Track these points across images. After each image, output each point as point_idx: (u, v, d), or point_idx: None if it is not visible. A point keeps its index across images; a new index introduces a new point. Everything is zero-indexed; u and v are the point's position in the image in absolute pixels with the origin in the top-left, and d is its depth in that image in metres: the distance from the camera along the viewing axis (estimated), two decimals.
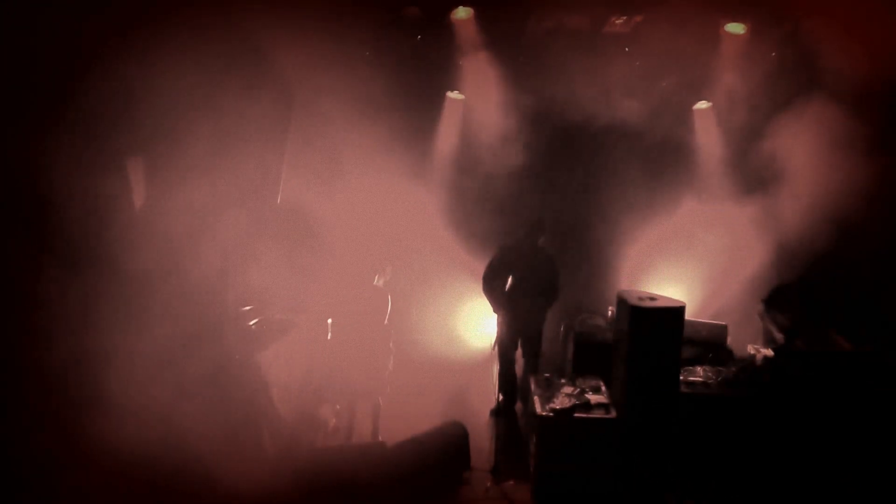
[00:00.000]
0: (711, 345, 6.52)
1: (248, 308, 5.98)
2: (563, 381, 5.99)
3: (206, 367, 5.21)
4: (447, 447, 5.74)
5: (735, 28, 7.30)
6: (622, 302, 5.73)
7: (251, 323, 5.93)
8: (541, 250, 6.96)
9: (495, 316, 6.96)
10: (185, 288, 5.18)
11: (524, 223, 6.99)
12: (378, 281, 6.37)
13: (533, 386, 5.93)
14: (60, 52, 4.76)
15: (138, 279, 4.95)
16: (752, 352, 6.38)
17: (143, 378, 4.86)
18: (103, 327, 4.74)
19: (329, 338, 6.38)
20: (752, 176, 7.84)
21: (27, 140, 4.63)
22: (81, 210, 4.80)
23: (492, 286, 6.83)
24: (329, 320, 6.36)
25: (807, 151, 7.38)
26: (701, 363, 6.23)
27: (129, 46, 5.03)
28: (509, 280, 6.73)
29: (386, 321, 6.30)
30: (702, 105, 8.33)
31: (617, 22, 7.06)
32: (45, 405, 4.53)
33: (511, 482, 5.61)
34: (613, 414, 5.49)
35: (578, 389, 5.78)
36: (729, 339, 6.71)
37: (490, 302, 6.88)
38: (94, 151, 5.04)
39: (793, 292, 6.76)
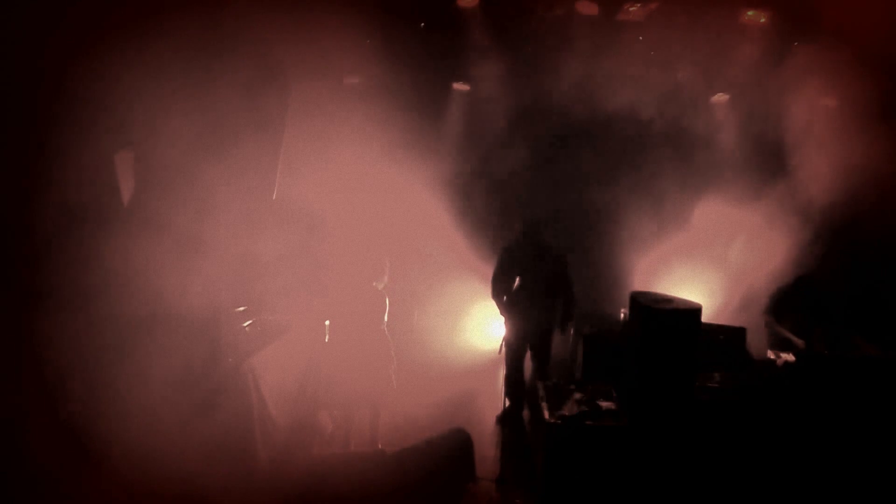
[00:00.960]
0: (729, 349, 6.32)
1: (241, 309, 5.80)
2: (572, 386, 5.80)
3: (203, 392, 5.18)
4: (450, 456, 5.59)
5: (754, 16, 7.08)
6: (635, 303, 5.52)
7: (245, 325, 5.73)
8: (547, 249, 6.70)
9: (503, 318, 6.72)
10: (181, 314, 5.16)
11: (526, 221, 6.74)
12: (377, 285, 6.16)
13: (541, 392, 5.75)
14: (47, 47, 4.68)
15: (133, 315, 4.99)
16: (773, 357, 6.17)
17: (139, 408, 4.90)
18: (101, 362, 4.82)
19: (327, 340, 6.16)
20: (772, 171, 7.64)
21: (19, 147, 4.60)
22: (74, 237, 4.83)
23: (499, 288, 6.60)
24: (327, 322, 6.15)
25: (828, 145, 7.23)
26: (718, 368, 5.99)
27: (119, 38, 4.94)
28: (517, 281, 6.50)
29: (384, 326, 6.09)
30: (720, 97, 8.08)
31: (630, 9, 6.91)
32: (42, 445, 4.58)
33: (517, 492, 5.44)
34: (625, 422, 5.31)
35: (588, 396, 5.59)
36: (748, 344, 6.47)
37: (497, 305, 6.66)
38: (85, 153, 4.99)
39: (800, 295, 6.55)
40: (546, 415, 5.35)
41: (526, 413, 6.84)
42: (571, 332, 7.18)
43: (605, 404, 5.44)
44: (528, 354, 6.85)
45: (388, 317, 6.09)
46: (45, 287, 4.72)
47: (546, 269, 6.62)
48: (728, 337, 6.45)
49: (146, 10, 5.14)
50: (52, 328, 4.60)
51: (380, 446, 5.99)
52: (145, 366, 4.95)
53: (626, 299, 5.83)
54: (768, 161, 7.71)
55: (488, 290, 6.81)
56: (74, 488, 4.59)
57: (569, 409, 5.35)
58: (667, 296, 5.60)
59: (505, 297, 6.55)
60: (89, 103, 4.88)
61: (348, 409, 6.08)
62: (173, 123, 5.31)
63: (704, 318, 5.47)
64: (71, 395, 4.75)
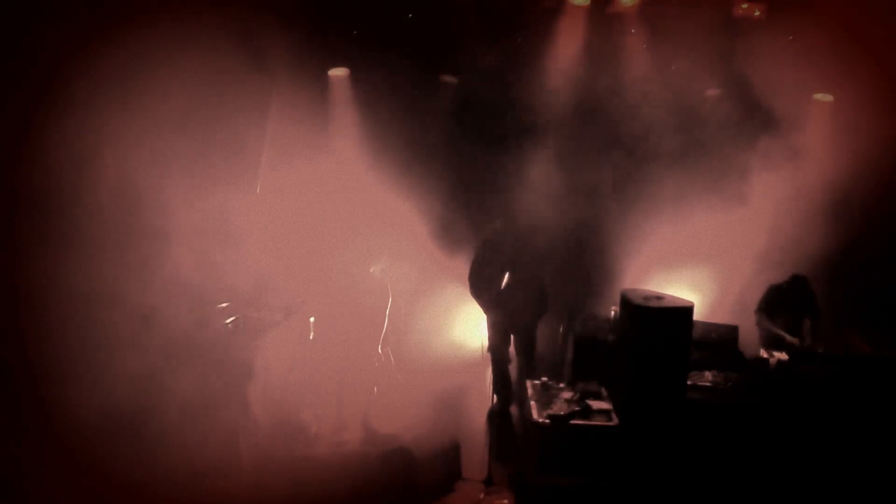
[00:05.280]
0: (721, 347, 6.26)
1: (224, 305, 5.70)
2: (561, 385, 5.76)
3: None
4: (437, 456, 5.55)
5: (750, 9, 7.03)
6: (626, 301, 5.47)
7: (227, 321, 5.64)
8: (525, 241, 6.61)
9: (486, 315, 6.66)
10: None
11: (498, 214, 6.65)
12: (375, 270, 6.04)
13: (529, 391, 5.70)
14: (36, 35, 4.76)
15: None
16: (765, 355, 6.09)
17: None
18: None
19: (311, 337, 6.07)
20: (765, 169, 7.52)
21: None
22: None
23: (478, 284, 6.54)
24: (311, 319, 6.05)
25: (824, 143, 7.21)
26: (710, 367, 5.95)
27: (106, 32, 5.03)
28: (503, 276, 6.43)
29: (386, 321, 6.00)
30: (714, 92, 7.97)
31: (623, 1, 6.84)
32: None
33: (505, 493, 5.37)
34: (615, 421, 5.26)
35: (578, 395, 5.53)
36: (740, 342, 6.42)
37: (477, 301, 6.60)
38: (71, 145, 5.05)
39: (794, 292, 6.50)
40: (535, 414, 5.31)
41: (515, 412, 6.76)
42: (561, 329, 7.13)
43: (595, 403, 5.40)
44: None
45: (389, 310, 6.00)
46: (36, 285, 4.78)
47: (524, 260, 6.54)
48: (720, 335, 6.39)
49: (133, 5, 5.12)
50: (47, 325, 4.67)
51: (365, 446, 5.90)
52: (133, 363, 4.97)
53: (617, 297, 5.78)
54: (765, 158, 7.61)
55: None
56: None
57: (558, 409, 5.31)
58: (658, 293, 5.55)
59: (483, 291, 6.48)
60: (76, 100, 4.92)
61: (333, 408, 5.99)
62: (159, 115, 5.29)
63: (696, 316, 5.43)
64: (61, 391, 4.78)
